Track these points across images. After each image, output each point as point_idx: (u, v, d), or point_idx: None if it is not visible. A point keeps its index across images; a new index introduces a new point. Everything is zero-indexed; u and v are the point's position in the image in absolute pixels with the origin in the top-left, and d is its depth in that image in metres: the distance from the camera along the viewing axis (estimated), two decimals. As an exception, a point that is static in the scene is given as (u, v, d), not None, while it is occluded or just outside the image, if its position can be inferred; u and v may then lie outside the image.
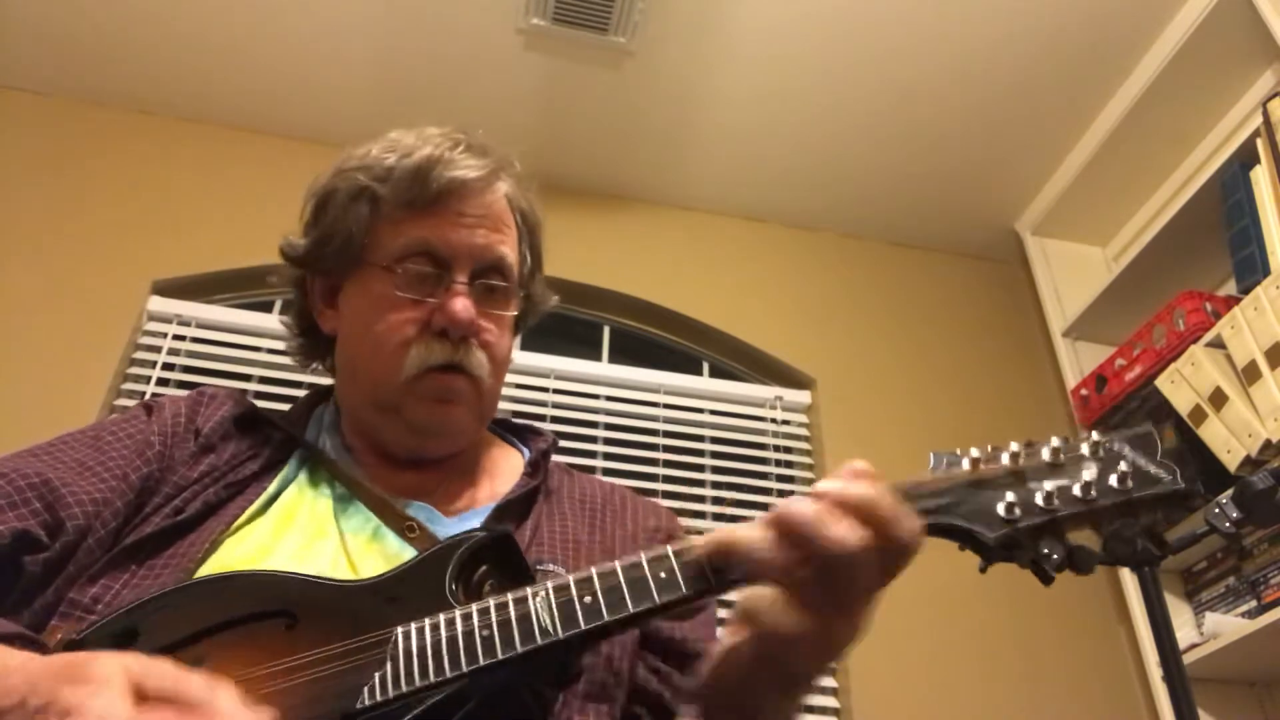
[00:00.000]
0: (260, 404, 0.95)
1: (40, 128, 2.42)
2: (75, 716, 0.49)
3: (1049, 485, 0.61)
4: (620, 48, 2.34)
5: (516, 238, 0.95)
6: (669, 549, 0.59)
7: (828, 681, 2.12)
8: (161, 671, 0.52)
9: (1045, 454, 0.64)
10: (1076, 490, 0.61)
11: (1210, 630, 1.93)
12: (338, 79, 2.46)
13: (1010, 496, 0.61)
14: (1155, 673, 2.01)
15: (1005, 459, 0.64)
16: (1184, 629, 2.02)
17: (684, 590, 0.58)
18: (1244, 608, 1.95)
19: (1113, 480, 0.62)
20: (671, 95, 2.47)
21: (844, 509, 0.56)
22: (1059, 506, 0.61)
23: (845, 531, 0.55)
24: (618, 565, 0.59)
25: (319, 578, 0.70)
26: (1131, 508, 0.62)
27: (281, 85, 2.48)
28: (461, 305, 0.87)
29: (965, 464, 0.64)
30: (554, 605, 0.59)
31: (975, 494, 0.62)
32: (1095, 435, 0.66)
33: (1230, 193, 2.03)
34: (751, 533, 0.57)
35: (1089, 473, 0.62)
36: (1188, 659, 1.82)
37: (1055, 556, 0.62)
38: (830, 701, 2.10)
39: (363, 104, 2.49)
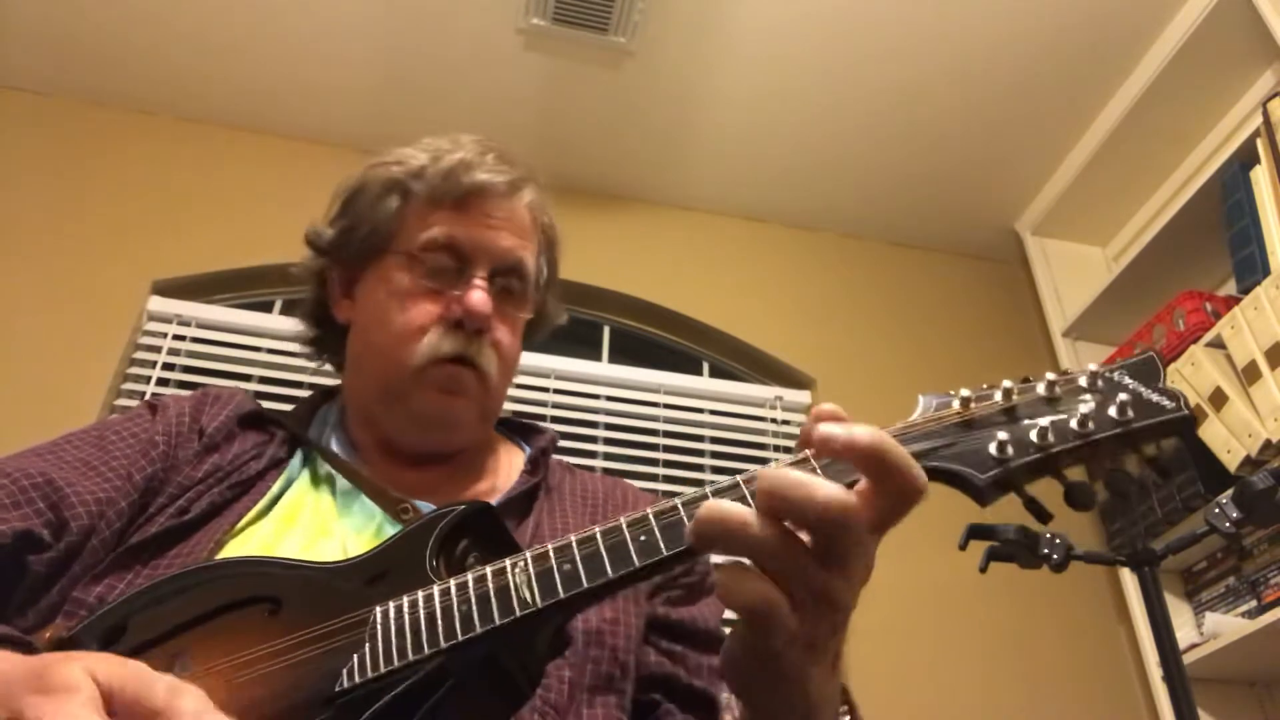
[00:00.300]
0: (261, 404, 0.95)
1: (40, 128, 2.42)
2: None
3: (1044, 420, 0.57)
4: (620, 48, 2.34)
5: (536, 247, 0.98)
6: (649, 511, 0.57)
7: (828, 681, 2.12)
8: (129, 676, 0.51)
9: (1040, 388, 0.60)
10: (1073, 424, 0.57)
11: (1210, 630, 1.93)
12: (338, 79, 2.46)
13: (1002, 435, 0.57)
14: (1155, 673, 2.00)
15: (998, 396, 0.60)
16: (1184, 629, 2.02)
17: (664, 552, 0.55)
18: (1244, 608, 1.95)
19: (1112, 411, 0.57)
20: (671, 95, 2.47)
21: (849, 458, 0.52)
22: (1054, 442, 0.57)
23: (829, 492, 0.50)
24: (597, 531, 0.58)
25: (301, 561, 0.69)
26: (1132, 438, 0.58)
27: (282, 85, 2.48)
28: (480, 298, 0.88)
29: (955, 404, 0.60)
30: (533, 575, 0.57)
31: (965, 435, 0.58)
32: (1093, 366, 0.62)
33: (1230, 193, 2.03)
34: (740, 508, 0.52)
35: (1086, 405, 0.58)
36: (1188, 659, 1.82)
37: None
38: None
39: (363, 104, 2.50)
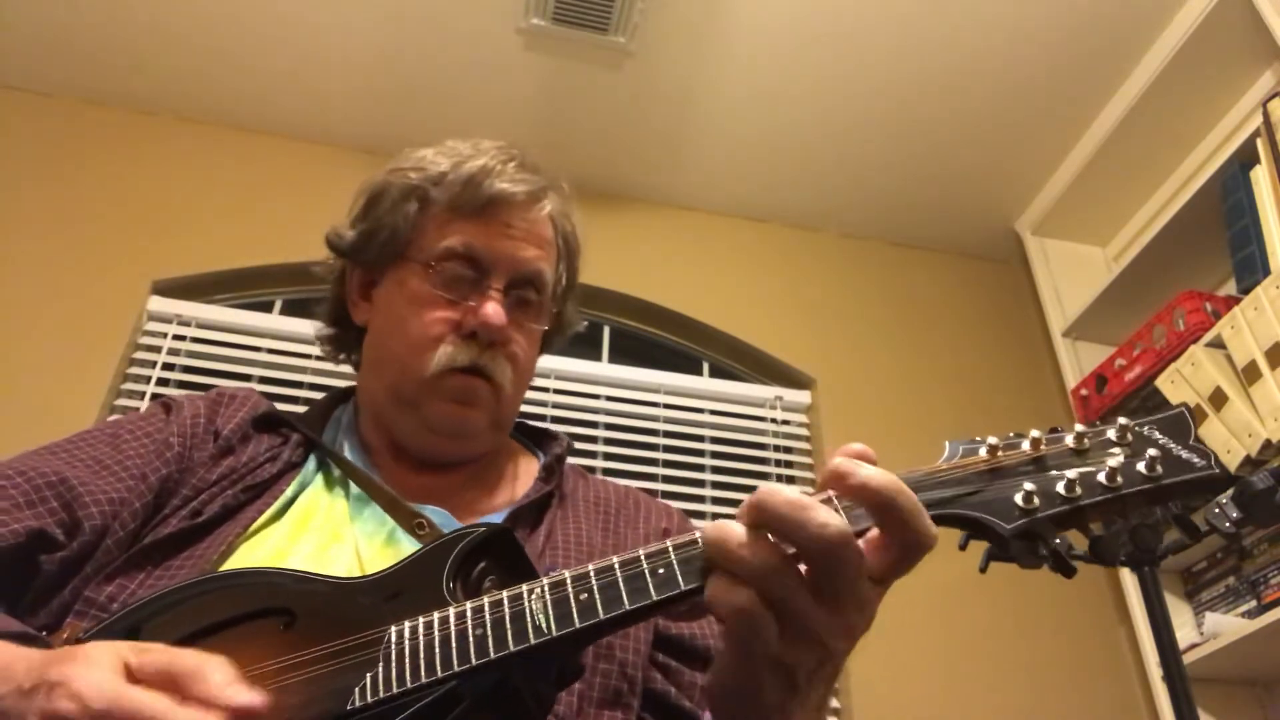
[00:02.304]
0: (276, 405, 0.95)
1: (40, 128, 2.42)
2: (65, 686, 0.50)
3: (1072, 473, 0.57)
4: (620, 48, 2.34)
5: (556, 257, 0.97)
6: (669, 543, 0.57)
7: (828, 681, 2.12)
8: (155, 650, 0.53)
9: (1069, 440, 0.60)
10: (1101, 477, 0.57)
11: (1210, 630, 1.93)
12: (338, 79, 2.46)
13: (1029, 485, 0.57)
14: (1155, 673, 2.00)
15: (1025, 446, 0.60)
16: (1184, 629, 2.02)
17: (682, 586, 0.55)
18: (1244, 608, 1.95)
19: (1141, 466, 0.58)
20: (671, 95, 2.47)
21: (860, 497, 0.53)
22: (1082, 495, 0.57)
23: (826, 518, 0.51)
24: (615, 561, 0.57)
25: (318, 575, 0.69)
26: (1161, 495, 0.58)
27: (282, 85, 2.48)
28: (494, 310, 0.88)
29: (982, 451, 0.60)
30: (549, 603, 0.57)
31: (991, 483, 0.58)
32: (1123, 420, 0.61)
33: (1230, 193, 2.03)
34: (741, 528, 0.53)
35: (1115, 459, 0.58)
36: (1188, 659, 1.82)
37: (1074, 549, 0.58)
38: (831, 702, 2.10)
39: (363, 104, 2.50)
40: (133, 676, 0.51)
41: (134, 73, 2.44)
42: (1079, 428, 0.61)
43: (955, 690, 2.14)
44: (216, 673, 0.51)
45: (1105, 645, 2.28)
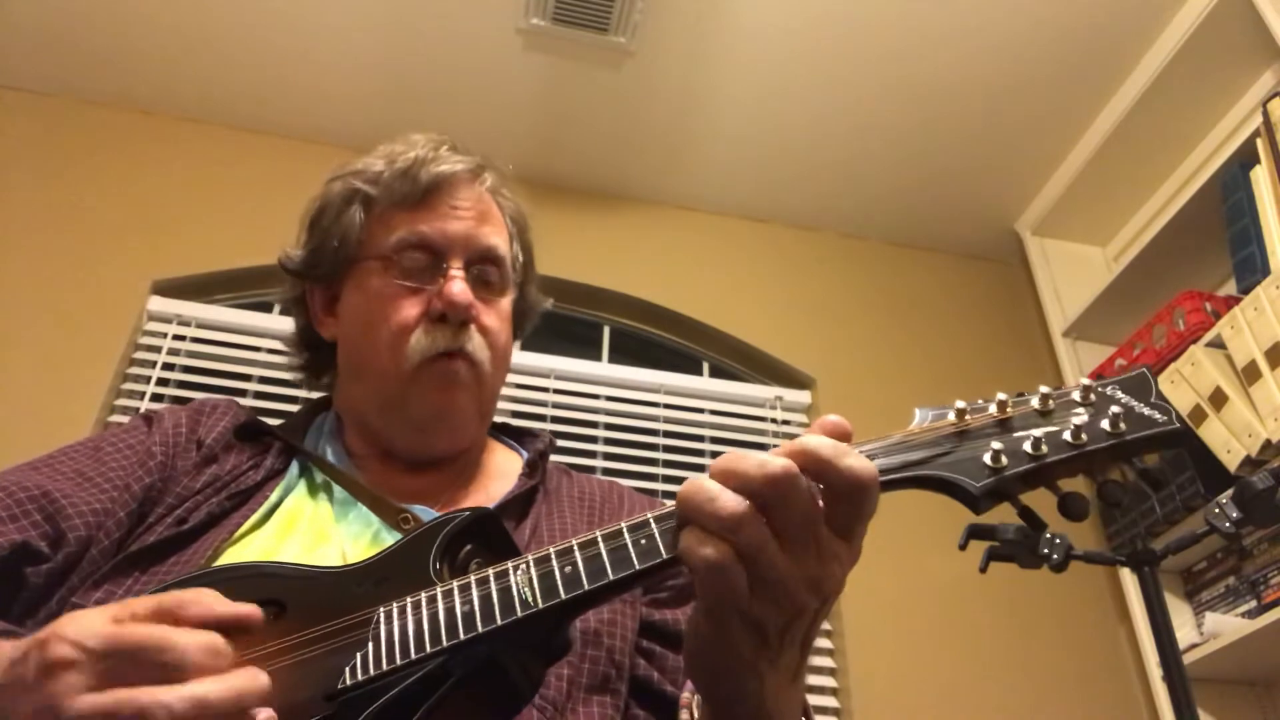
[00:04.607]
0: (260, 405, 0.96)
1: (40, 128, 2.42)
2: (57, 638, 0.52)
3: (1037, 432, 0.59)
4: (620, 48, 2.34)
5: (507, 232, 0.98)
6: (649, 515, 0.59)
7: (828, 681, 2.12)
8: (139, 600, 0.55)
9: (1034, 402, 0.62)
10: (1066, 435, 0.59)
11: (1210, 630, 1.93)
12: (338, 79, 2.46)
13: (996, 445, 0.59)
14: (1155, 673, 2.00)
15: (992, 409, 0.63)
16: (1184, 629, 2.02)
17: (664, 555, 0.57)
18: (1244, 608, 1.95)
19: (1104, 424, 0.60)
20: (671, 95, 2.47)
21: (796, 460, 0.55)
22: (1048, 452, 0.59)
23: (782, 463, 0.54)
24: (599, 534, 0.59)
25: (306, 566, 0.70)
26: (1125, 450, 0.59)
27: (282, 85, 2.48)
28: (459, 288, 0.89)
29: (950, 415, 0.62)
30: (534, 577, 0.58)
31: (960, 444, 0.61)
32: (1085, 380, 0.63)
33: (1230, 193, 2.03)
34: (712, 484, 0.55)
35: (1079, 417, 0.60)
36: (1188, 659, 1.82)
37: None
38: (830, 701, 2.10)
39: (363, 104, 2.50)
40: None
41: (134, 73, 2.45)
42: (1044, 389, 0.63)
43: (955, 690, 2.14)
44: (204, 595, 0.55)
45: (1105, 645, 2.28)
